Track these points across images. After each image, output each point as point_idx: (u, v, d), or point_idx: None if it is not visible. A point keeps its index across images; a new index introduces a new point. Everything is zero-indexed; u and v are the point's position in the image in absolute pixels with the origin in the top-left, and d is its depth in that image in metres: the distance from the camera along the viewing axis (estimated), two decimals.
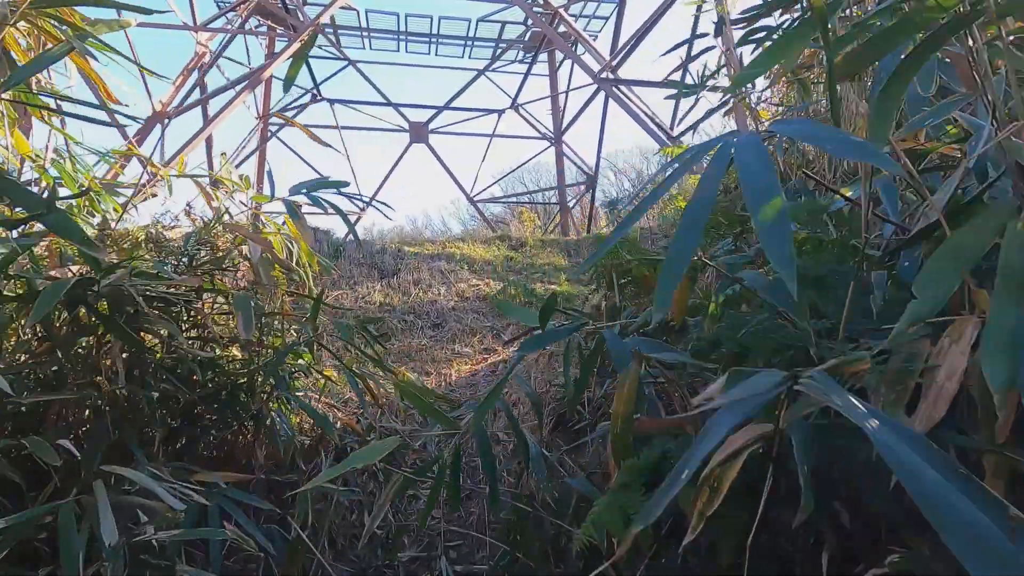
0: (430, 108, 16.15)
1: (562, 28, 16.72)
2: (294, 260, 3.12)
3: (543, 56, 17.10)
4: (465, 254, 10.30)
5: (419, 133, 16.09)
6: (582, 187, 17.30)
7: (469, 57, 17.49)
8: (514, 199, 20.46)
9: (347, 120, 21.83)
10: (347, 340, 2.90)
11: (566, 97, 16.21)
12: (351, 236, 9.82)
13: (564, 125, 16.43)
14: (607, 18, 15.82)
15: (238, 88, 10.09)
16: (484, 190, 17.82)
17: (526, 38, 16.50)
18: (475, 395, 5.29)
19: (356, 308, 6.67)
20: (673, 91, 10.62)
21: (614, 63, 10.71)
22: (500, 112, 16.28)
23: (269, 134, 14.80)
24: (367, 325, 3.04)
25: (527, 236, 12.39)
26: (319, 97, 14.74)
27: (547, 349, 5.36)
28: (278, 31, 12.76)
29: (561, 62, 17.38)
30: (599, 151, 14.56)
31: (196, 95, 11.51)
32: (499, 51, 16.52)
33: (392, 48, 16.77)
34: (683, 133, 11.96)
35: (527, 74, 16.60)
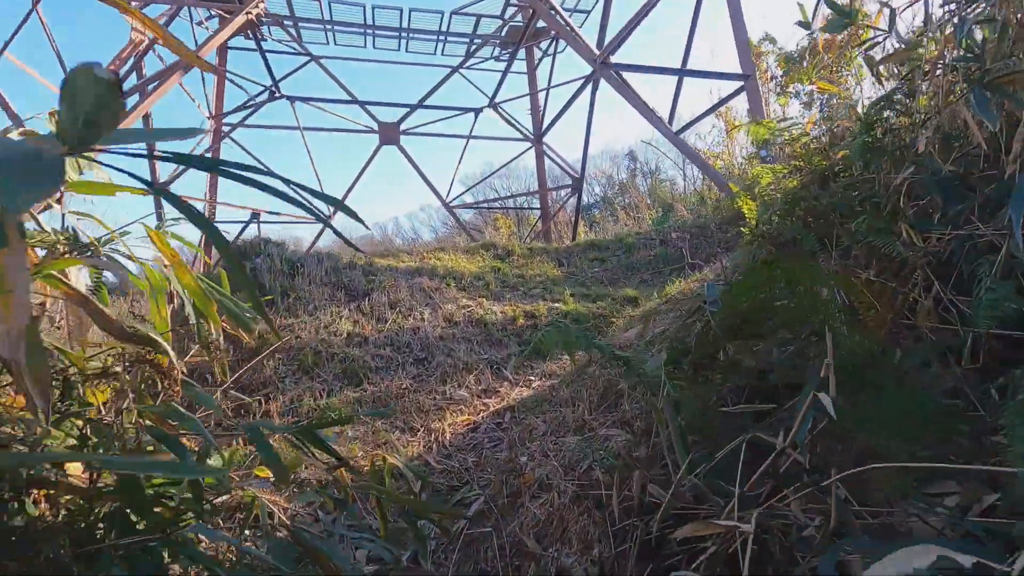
0: (401, 107, 14.59)
1: (541, 24, 15.36)
2: (172, 313, 1.58)
3: (521, 54, 15.71)
4: (449, 267, 8.77)
5: (389, 134, 14.51)
6: (564, 191, 15.96)
7: (442, 53, 16.00)
8: (497, 204, 18.91)
9: (311, 120, 20.02)
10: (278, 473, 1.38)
11: (547, 95, 14.83)
12: (318, 245, 8.18)
13: (545, 125, 15.05)
14: (588, 12, 14.51)
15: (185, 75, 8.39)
16: (460, 195, 16.27)
17: (503, 33, 15.08)
18: (479, 462, 3.79)
19: (316, 342, 5.11)
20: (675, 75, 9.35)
21: (611, 49, 9.34)
22: (477, 111, 14.81)
23: (223, 134, 13.04)
24: (316, 433, 1.51)
25: (514, 245, 10.92)
26: (278, 94, 13.05)
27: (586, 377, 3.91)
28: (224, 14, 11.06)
29: (540, 59, 16.02)
30: (585, 150, 13.21)
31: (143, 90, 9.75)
32: (474, 47, 15.06)
33: (359, 44, 15.18)
34: (689, 125, 10.67)
35: (505, 71, 15.17)
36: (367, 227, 0.94)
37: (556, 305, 6.58)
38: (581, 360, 4.82)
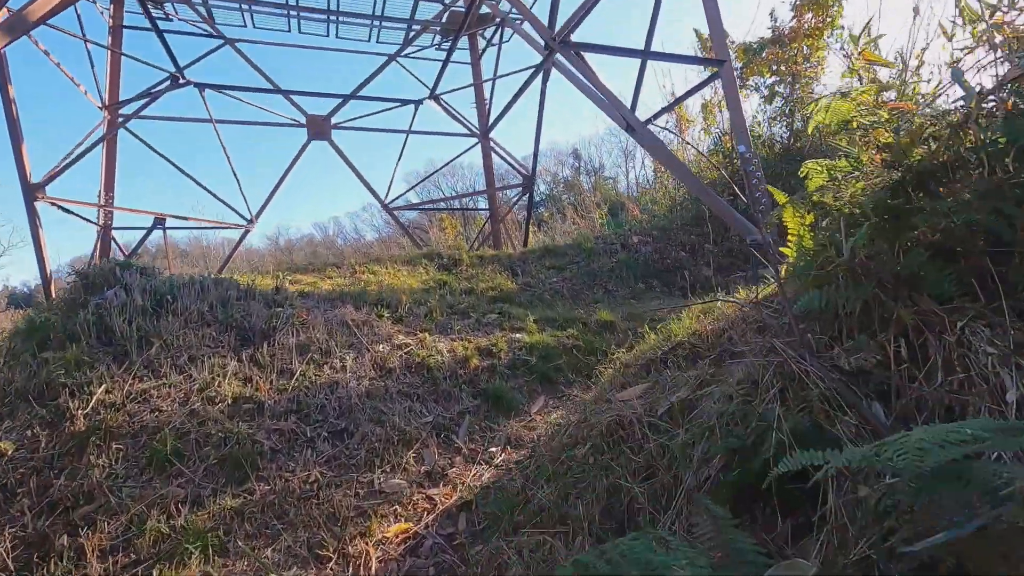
0: (332, 98, 12.74)
1: (485, 10, 13.83)
2: None
3: (464, 43, 14.13)
4: (385, 285, 7.15)
5: (319, 128, 12.65)
6: (513, 191, 14.52)
7: (377, 40, 14.24)
8: (442, 205, 17.27)
9: (230, 112, 17.65)
10: None
11: (493, 86, 13.31)
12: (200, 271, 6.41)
13: (492, 119, 13.53)
14: None
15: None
16: (403, 195, 14.56)
17: (444, 19, 13.46)
18: None
19: (183, 417, 3.45)
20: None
21: (570, 27, 7.93)
22: (416, 103, 13.12)
23: (118, 125, 10.87)
24: None
25: (462, 253, 9.38)
26: (182, 80, 10.98)
27: None
28: None
29: (485, 48, 14.48)
30: (536, 145, 11.79)
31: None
32: (413, 34, 13.36)
33: (282, 27, 13.24)
34: (658, 115, 9.39)
35: (446, 61, 13.52)
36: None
37: (517, 336, 5.12)
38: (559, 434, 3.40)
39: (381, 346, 4.52)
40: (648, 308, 6.33)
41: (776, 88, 10.72)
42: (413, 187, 13.92)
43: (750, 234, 6.83)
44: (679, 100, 8.48)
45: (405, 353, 4.53)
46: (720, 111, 13.62)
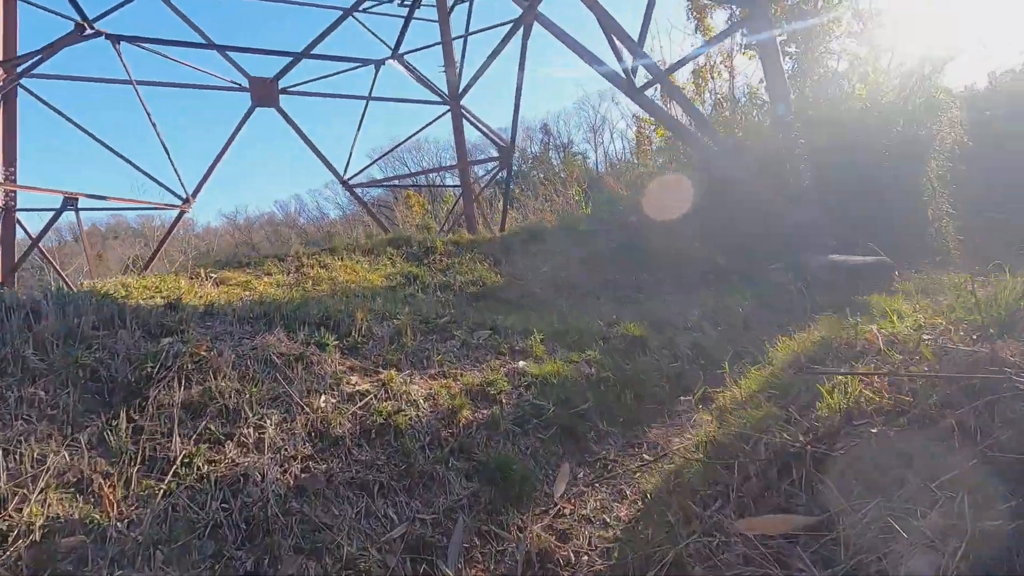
0: (280, 56, 10.65)
1: None
2: None
3: None
4: (339, 284, 5.44)
5: (264, 92, 10.58)
6: (481, 166, 12.74)
7: None
8: (409, 181, 15.40)
9: (159, 73, 15.04)
10: None
11: (464, 46, 11.41)
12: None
13: (464, 84, 11.66)
14: None
15: None
16: (366, 168, 12.64)
17: None
18: None
19: None
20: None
21: None
22: (377, 64, 11.12)
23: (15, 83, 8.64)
24: None
25: (434, 239, 7.66)
26: (89, 31, 8.75)
27: None
28: None
29: (454, 5, 12.50)
30: (516, 112, 10.05)
31: None
32: None
33: None
34: (650, 84, 7.78)
35: (409, 16, 11.51)
36: None
37: (521, 366, 3.52)
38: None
39: (323, 398, 2.85)
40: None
41: (787, 48, 9.20)
42: (375, 161, 12.05)
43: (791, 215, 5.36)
44: (714, 42, 6.83)
45: (360, 408, 2.87)
46: (713, 78, 12.09)
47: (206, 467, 2.37)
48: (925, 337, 2.24)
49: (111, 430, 2.42)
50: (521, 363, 3.61)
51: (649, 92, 7.52)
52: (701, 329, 4.48)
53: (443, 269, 6.90)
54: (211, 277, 5.36)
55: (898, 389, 1.90)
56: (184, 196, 10.21)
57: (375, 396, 2.98)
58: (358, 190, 12.16)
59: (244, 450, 2.51)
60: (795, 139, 5.34)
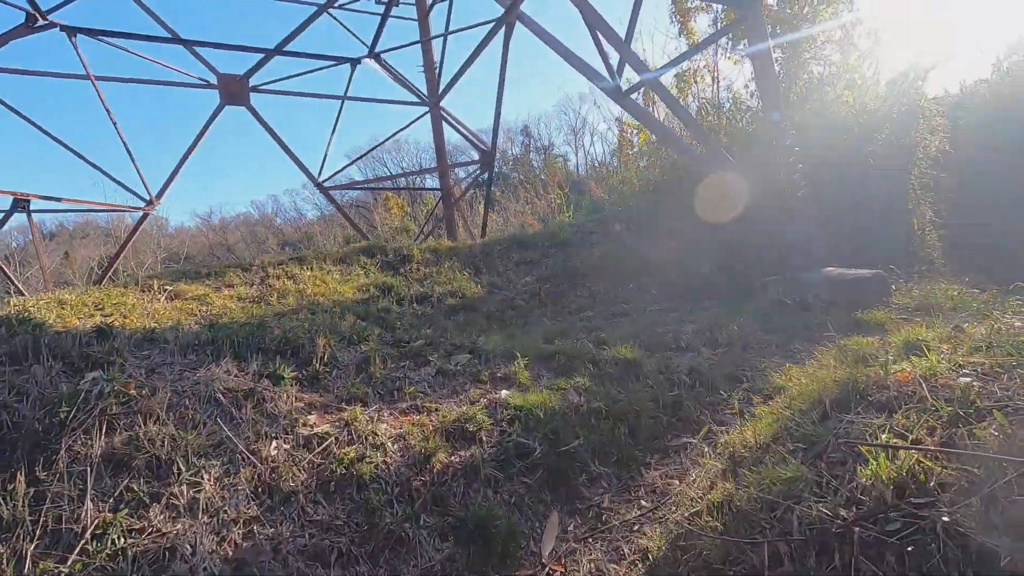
0: (251, 52, 10.11)
1: None
2: None
3: None
4: (307, 296, 5.00)
5: (234, 90, 10.04)
6: (461, 169, 12.32)
7: None
8: (388, 184, 14.89)
9: (125, 70, 14.35)
10: None
11: (444, 46, 10.99)
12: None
13: (444, 86, 11.23)
14: None
15: None
16: (344, 169, 12.14)
17: None
18: None
19: None
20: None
21: None
22: (353, 62, 10.64)
23: None
24: None
25: (410, 245, 7.23)
26: (41, 21, 8.13)
27: None
28: None
29: (433, 4, 12.06)
30: (498, 115, 9.66)
31: None
32: None
33: None
34: (637, 86, 7.48)
35: (386, 14, 11.05)
36: None
37: (503, 396, 3.14)
38: None
39: (274, 445, 2.43)
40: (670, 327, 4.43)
41: (773, 53, 8.94)
42: (352, 162, 11.52)
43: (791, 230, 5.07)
44: (709, 42, 6.54)
45: (318, 455, 2.46)
46: (696, 82, 11.85)
47: (123, 540, 1.93)
48: (974, 384, 1.90)
49: (6, 496, 1.97)
50: (504, 393, 3.23)
51: (633, 95, 7.20)
52: (696, 350, 4.16)
53: (420, 279, 6.48)
54: (165, 290, 4.87)
55: (959, 457, 1.55)
56: (148, 198, 9.62)
57: (336, 439, 2.57)
58: (334, 192, 11.65)
59: (173, 515, 2.08)
60: (791, 147, 5.05)
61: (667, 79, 12.01)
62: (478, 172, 10.65)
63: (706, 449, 2.75)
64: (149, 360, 2.86)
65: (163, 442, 2.31)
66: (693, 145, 7.28)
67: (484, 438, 2.85)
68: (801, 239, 4.99)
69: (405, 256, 6.84)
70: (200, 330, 3.29)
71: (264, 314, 4.36)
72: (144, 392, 2.49)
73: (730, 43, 9.31)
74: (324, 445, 2.52)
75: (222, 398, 2.60)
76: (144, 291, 4.85)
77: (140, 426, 2.35)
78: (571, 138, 40.46)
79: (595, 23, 5.96)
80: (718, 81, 10.86)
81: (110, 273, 9.07)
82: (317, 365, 3.06)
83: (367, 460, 2.48)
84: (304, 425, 2.61)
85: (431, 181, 19.64)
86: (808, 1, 7.46)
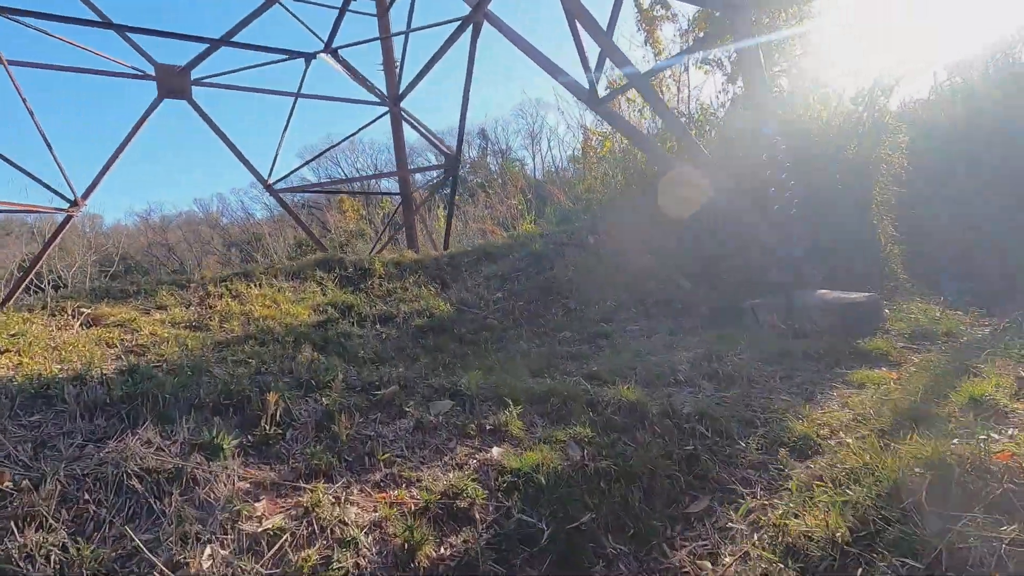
0: (194, 41, 9.13)
1: None
2: None
3: None
4: (254, 320, 4.32)
5: (174, 83, 9.04)
6: (421, 173, 11.65)
7: None
8: (344, 187, 14.07)
9: (41, 55, 12.83)
10: None
11: (405, 44, 10.31)
12: None
13: (404, 85, 10.54)
14: None
15: None
16: (297, 170, 11.27)
17: None
18: None
19: None
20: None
21: None
22: (308, 57, 9.82)
23: None
24: None
25: (372, 258, 6.56)
26: None
27: None
28: None
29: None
30: (463, 118, 9.08)
31: None
32: None
33: None
34: (613, 94, 7.10)
35: (344, 8, 10.27)
36: None
37: (495, 456, 2.60)
38: None
39: (208, 552, 1.81)
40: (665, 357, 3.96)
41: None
42: (305, 163, 10.63)
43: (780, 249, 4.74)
44: (696, 47, 6.19)
45: (270, 562, 1.85)
46: (663, 91, 11.60)
47: None
48: None
49: None
50: (496, 451, 2.68)
51: (608, 100, 6.80)
52: (697, 385, 3.74)
53: (384, 296, 5.84)
54: (81, 313, 4.07)
55: None
56: (72, 198, 8.52)
57: (292, 536, 1.96)
58: (286, 195, 10.76)
59: None
60: (782, 162, 4.73)
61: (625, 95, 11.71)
62: (440, 177, 10.02)
63: (741, 527, 2.29)
64: (40, 430, 2.16)
65: (48, 558, 1.65)
66: (672, 155, 6.93)
67: (479, 516, 2.30)
68: (793, 258, 4.67)
69: (366, 270, 6.18)
70: (115, 378, 2.59)
71: (202, 345, 3.64)
72: (25, 484, 1.81)
73: (700, 53, 9.07)
74: (277, 546, 1.91)
75: (138, 484, 1.95)
76: (55, 315, 4.03)
77: (16, 535, 1.68)
78: (528, 142, 40.18)
79: (575, 11, 5.47)
80: (690, 89, 10.64)
81: (23, 285, 7.94)
82: (267, 426, 2.43)
83: (335, 566, 1.89)
84: (250, 518, 1.98)
85: (388, 183, 18.79)
86: (790, 11, 7.24)
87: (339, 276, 5.96)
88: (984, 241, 8.33)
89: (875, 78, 8.20)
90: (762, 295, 5.23)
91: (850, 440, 2.36)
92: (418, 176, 12.81)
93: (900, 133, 8.55)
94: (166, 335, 3.93)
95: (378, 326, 5.17)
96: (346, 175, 34.81)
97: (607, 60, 6.30)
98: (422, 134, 9.85)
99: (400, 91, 10.68)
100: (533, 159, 38.30)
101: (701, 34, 9.12)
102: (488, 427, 2.90)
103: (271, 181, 9.97)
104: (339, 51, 9.74)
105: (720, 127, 8.38)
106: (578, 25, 5.73)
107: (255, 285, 5.30)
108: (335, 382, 2.92)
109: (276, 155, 9.93)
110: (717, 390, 3.71)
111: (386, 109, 10.53)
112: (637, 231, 7.92)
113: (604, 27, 5.65)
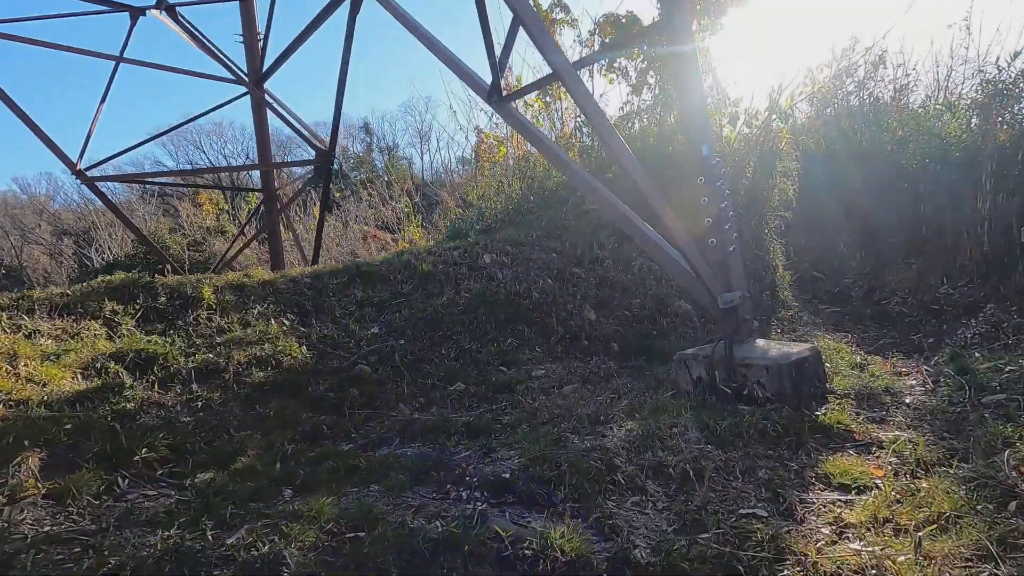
0: None
1: None
2: None
3: None
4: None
5: None
6: (293, 168, 9.69)
7: None
8: (193, 179, 11.66)
9: None
10: None
11: (271, 8, 8.33)
12: None
13: (269, 62, 8.56)
14: None
15: None
16: (117, 156, 8.79)
17: None
18: None
19: None
20: None
21: None
22: (135, 12, 7.51)
23: None
24: None
25: (198, 281, 4.74)
26: None
27: None
28: None
29: None
30: (338, 108, 7.41)
31: None
32: None
33: None
34: (517, 94, 5.94)
35: None
36: None
37: None
38: None
39: None
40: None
41: (648, 77, 8.04)
42: (128, 150, 8.24)
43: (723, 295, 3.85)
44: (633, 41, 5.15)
45: None
46: (561, 100, 10.68)
47: None
48: None
49: None
50: None
51: (511, 95, 5.65)
52: (643, 491, 2.66)
53: (210, 336, 4.13)
54: None
55: None
56: None
57: None
58: (104, 185, 8.30)
59: None
60: (721, 188, 3.83)
61: (531, 95, 10.66)
62: (312, 174, 8.23)
63: None
64: None
65: None
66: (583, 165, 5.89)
67: None
68: (734, 304, 3.80)
69: (188, 298, 4.39)
70: None
71: None
72: None
73: (605, 60, 8.21)
74: None
75: None
76: None
77: None
78: (417, 140, 38.11)
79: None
80: (596, 97, 9.78)
81: None
82: None
83: None
84: None
85: (257, 176, 16.17)
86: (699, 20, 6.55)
87: (144, 309, 4.13)
88: (844, 266, 8.37)
89: (770, 100, 7.88)
90: (680, 336, 4.33)
91: None
92: (297, 170, 10.80)
93: (792, 159, 8.36)
94: None
95: (194, 386, 3.51)
96: (212, 163, 30.51)
97: (510, 56, 5.13)
98: (288, 123, 8.00)
99: (264, 70, 8.68)
100: (421, 158, 36.36)
101: (607, 39, 8.26)
102: None
103: (83, 166, 7.54)
104: (177, 9, 7.57)
105: (635, 143, 7.58)
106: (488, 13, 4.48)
107: (25, 315, 3.38)
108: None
109: (90, 133, 7.52)
110: (670, 498, 2.64)
111: (245, 90, 8.49)
112: (539, 251, 6.85)
113: (507, 25, 4.43)
